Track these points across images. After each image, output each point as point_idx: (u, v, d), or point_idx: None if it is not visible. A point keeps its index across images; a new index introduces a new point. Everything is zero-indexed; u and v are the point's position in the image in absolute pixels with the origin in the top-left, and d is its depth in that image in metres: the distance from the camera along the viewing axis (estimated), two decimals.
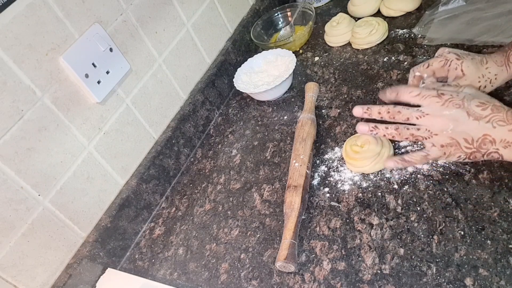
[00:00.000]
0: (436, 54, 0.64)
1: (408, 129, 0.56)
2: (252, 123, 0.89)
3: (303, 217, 0.65)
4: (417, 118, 0.54)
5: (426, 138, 0.55)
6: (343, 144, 0.73)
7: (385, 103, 0.59)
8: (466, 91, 0.54)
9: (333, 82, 0.87)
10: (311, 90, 0.84)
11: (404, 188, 0.61)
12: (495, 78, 0.60)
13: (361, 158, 0.64)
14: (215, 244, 0.69)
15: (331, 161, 0.71)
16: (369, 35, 0.89)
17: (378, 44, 0.90)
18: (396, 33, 0.90)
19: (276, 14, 1.11)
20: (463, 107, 0.52)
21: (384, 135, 0.58)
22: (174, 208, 0.79)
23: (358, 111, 0.59)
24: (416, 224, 0.56)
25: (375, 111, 0.57)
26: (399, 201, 0.60)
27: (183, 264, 0.68)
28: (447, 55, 0.62)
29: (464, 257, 0.51)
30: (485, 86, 0.61)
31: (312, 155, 0.72)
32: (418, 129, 0.55)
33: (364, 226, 0.59)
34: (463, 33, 0.79)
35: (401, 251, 0.54)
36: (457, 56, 0.61)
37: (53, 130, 0.65)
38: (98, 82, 0.69)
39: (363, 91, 0.81)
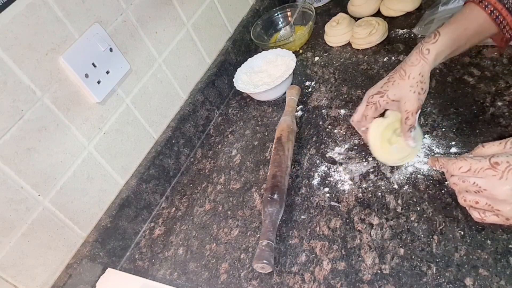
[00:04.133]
0: (363, 101, 0.65)
1: (471, 195, 0.50)
2: (252, 123, 0.89)
3: (282, 217, 0.65)
4: (476, 192, 0.48)
5: (488, 211, 0.49)
6: (343, 144, 0.73)
7: None
8: None
9: (333, 82, 0.87)
10: (292, 93, 0.86)
11: (404, 188, 0.61)
12: (421, 76, 0.59)
13: (391, 152, 0.64)
14: (215, 244, 0.69)
15: (331, 161, 0.71)
16: (369, 35, 0.89)
17: (378, 44, 0.90)
18: (396, 33, 0.90)
19: (276, 14, 1.11)
20: None
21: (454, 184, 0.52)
22: (174, 208, 0.79)
23: (430, 163, 0.56)
24: (416, 224, 0.56)
25: (439, 167, 0.54)
26: (399, 201, 0.60)
27: (183, 264, 0.68)
28: (371, 99, 0.62)
29: (464, 257, 0.51)
30: (422, 89, 0.59)
31: (291, 156, 0.73)
32: (477, 202, 0.49)
33: (364, 226, 0.59)
34: None
35: (401, 251, 0.54)
36: (379, 94, 0.62)
37: (53, 130, 0.65)
38: (98, 82, 0.69)
39: (363, 91, 0.80)
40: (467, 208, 0.52)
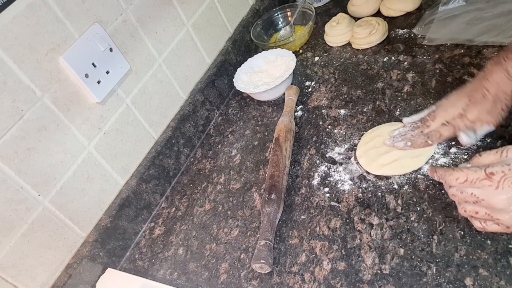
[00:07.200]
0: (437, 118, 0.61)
1: (471, 206, 0.50)
2: (252, 123, 0.89)
3: (282, 217, 0.65)
4: (475, 203, 0.48)
5: (488, 220, 0.49)
6: (343, 144, 0.73)
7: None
8: None
9: (333, 82, 0.87)
10: (290, 94, 0.86)
11: (404, 188, 0.61)
12: (506, 95, 0.55)
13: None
14: (215, 244, 0.69)
15: (331, 161, 0.71)
16: (369, 35, 0.89)
17: (378, 44, 0.90)
18: (396, 33, 0.90)
19: (276, 14, 1.11)
20: None
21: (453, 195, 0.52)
22: (174, 208, 0.79)
23: (429, 173, 0.56)
24: (416, 224, 0.56)
25: (437, 177, 0.54)
26: (399, 201, 0.60)
27: (183, 264, 0.68)
28: (453, 122, 0.58)
29: (464, 257, 0.51)
30: (506, 105, 0.56)
31: (290, 156, 0.73)
32: (477, 212, 0.49)
33: (364, 226, 0.59)
34: (463, 33, 0.79)
35: (401, 251, 0.54)
36: (460, 117, 0.58)
37: (53, 130, 0.65)
38: (98, 82, 0.69)
39: (363, 91, 0.81)
40: (468, 218, 0.52)
